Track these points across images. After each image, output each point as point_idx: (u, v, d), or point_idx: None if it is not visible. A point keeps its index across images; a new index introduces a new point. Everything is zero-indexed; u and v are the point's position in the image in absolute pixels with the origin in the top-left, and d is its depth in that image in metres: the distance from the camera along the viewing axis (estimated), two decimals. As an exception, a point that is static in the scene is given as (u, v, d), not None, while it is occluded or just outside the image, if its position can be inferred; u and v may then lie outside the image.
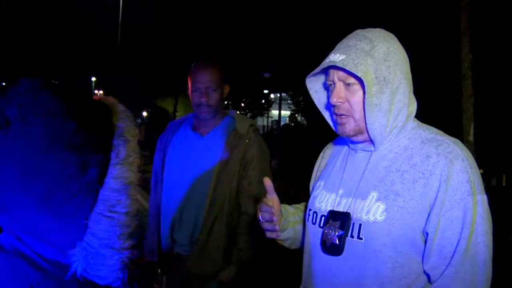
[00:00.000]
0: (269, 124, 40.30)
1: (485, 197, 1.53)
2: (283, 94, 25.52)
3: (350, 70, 1.53)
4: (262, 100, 33.00)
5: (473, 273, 1.49)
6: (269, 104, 34.75)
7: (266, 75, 20.18)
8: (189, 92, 2.68)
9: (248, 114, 31.93)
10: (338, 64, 1.55)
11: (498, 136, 9.72)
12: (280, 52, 17.29)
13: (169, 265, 2.71)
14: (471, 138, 4.76)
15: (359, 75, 1.53)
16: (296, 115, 25.96)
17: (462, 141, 4.45)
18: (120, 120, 1.23)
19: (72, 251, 1.09)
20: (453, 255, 1.48)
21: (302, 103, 22.89)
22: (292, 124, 32.51)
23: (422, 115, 1.74)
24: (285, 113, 35.30)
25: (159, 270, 1.36)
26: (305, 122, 21.67)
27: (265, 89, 30.20)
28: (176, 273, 2.65)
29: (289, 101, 32.71)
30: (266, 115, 39.02)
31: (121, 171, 1.17)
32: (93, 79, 39.19)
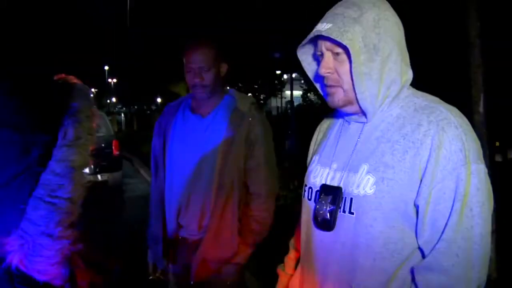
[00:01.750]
0: (283, 105, 40.19)
1: (482, 166, 1.45)
2: (295, 74, 25.33)
3: (336, 39, 1.48)
4: (275, 81, 32.85)
5: (467, 247, 1.41)
6: (282, 84, 34.60)
7: (276, 55, 20.07)
8: (185, 72, 2.63)
9: (262, 95, 31.86)
10: (323, 33, 1.51)
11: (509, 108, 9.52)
12: (289, 31, 17.12)
13: (175, 249, 2.71)
14: (481, 109, 4.64)
15: (344, 43, 1.48)
16: (309, 94, 25.77)
17: (473, 112, 4.39)
18: (74, 99, 1.16)
19: (8, 240, 1.01)
20: (444, 228, 1.41)
21: (315, 82, 22.71)
22: (304, 104, 32.42)
23: (430, 87, 1.68)
24: (298, 93, 35.17)
25: (117, 267, 1.31)
26: (318, 101, 21.49)
27: (277, 70, 30.03)
28: (185, 257, 2.64)
29: (302, 81, 32.56)
30: (279, 96, 38.89)
31: (67, 153, 1.09)
32: (106, 67, 39.33)
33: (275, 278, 2.02)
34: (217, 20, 19.30)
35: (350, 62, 1.53)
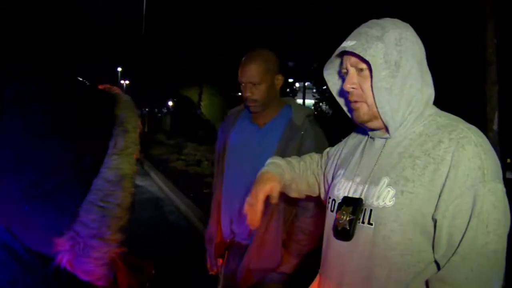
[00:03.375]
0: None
1: (500, 186, 1.48)
2: (307, 83, 25.37)
3: (359, 54, 1.56)
4: (287, 89, 32.93)
5: (481, 263, 1.44)
6: (294, 93, 34.68)
7: (290, 63, 20.16)
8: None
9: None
10: (348, 49, 1.60)
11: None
12: (303, 40, 17.17)
13: (229, 252, 2.78)
14: (495, 127, 4.65)
15: (367, 58, 1.56)
16: (321, 103, 25.84)
17: (486, 130, 4.39)
18: (121, 110, 1.21)
19: (59, 240, 1.06)
20: (459, 243, 1.45)
21: (327, 92, 22.75)
22: (316, 113, 32.36)
23: (444, 104, 1.72)
24: (310, 102, 35.16)
25: (153, 271, 1.34)
26: (329, 111, 21.53)
27: (290, 78, 30.09)
28: (236, 262, 2.71)
29: (313, 90, 32.61)
30: (291, 104, 38.80)
31: (118, 161, 1.15)
32: (119, 69, 39.54)
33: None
34: (227, 23, 19.38)
35: (372, 78, 1.60)
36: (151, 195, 11.07)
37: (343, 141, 2.01)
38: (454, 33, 9.20)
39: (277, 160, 2.10)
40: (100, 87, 1.24)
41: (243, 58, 2.74)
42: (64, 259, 1.06)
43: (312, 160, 2.16)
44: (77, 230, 1.08)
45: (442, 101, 1.72)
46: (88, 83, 1.19)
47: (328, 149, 2.14)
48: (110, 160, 1.13)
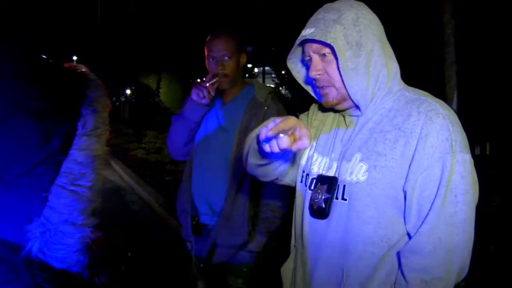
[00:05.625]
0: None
1: (468, 156, 1.52)
2: (267, 68, 25.39)
3: (320, 39, 1.57)
4: (246, 75, 32.87)
5: (449, 232, 1.47)
6: (254, 78, 34.67)
7: (249, 49, 20.13)
8: (206, 62, 2.71)
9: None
10: (308, 37, 1.61)
11: (482, 104, 9.74)
12: (261, 25, 17.15)
13: (198, 233, 2.76)
14: (454, 106, 4.74)
15: (328, 41, 1.57)
16: (280, 88, 25.92)
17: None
18: (90, 89, 1.16)
19: (29, 227, 1.01)
20: (428, 212, 1.48)
21: (286, 76, 22.84)
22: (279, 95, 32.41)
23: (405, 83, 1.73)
24: (270, 87, 35.20)
25: (128, 253, 1.31)
26: (289, 96, 21.61)
27: (249, 64, 30.04)
28: (205, 242, 2.70)
29: (273, 75, 32.69)
30: (250, 89, 38.78)
31: (88, 142, 1.10)
32: (74, 57, 38.68)
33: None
34: (190, 13, 19.19)
35: (337, 60, 1.62)
36: (112, 184, 10.90)
37: (310, 110, 1.99)
38: (413, 13, 9.32)
39: None
40: (67, 65, 1.18)
41: (211, 35, 2.75)
42: (34, 247, 1.01)
43: None
44: (47, 216, 1.03)
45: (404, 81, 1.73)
46: (52, 61, 1.13)
47: (300, 116, 2.06)
48: (80, 141, 1.08)
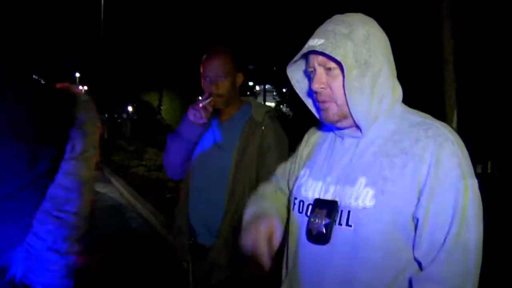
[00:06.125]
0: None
1: (475, 181, 1.51)
2: (268, 86, 25.41)
3: (329, 54, 1.52)
4: (247, 93, 32.92)
5: (465, 257, 1.46)
6: (255, 96, 34.69)
7: (250, 67, 20.17)
8: (202, 81, 2.71)
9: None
10: (317, 49, 1.55)
11: (482, 123, 9.73)
12: (263, 44, 17.22)
13: (195, 253, 2.74)
14: (454, 125, 4.75)
15: (338, 58, 1.52)
16: (281, 106, 25.92)
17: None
18: (80, 111, 1.13)
19: (11, 253, 0.98)
20: (444, 240, 1.47)
21: (287, 94, 22.87)
22: (277, 115, 32.38)
23: (404, 102, 1.70)
24: (271, 104, 35.29)
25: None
26: (290, 113, 21.62)
27: (250, 81, 30.09)
28: (202, 262, 2.68)
29: (274, 93, 32.71)
30: (252, 107, 38.79)
31: (75, 166, 1.07)
32: (77, 74, 38.80)
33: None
34: (191, 32, 19.28)
35: (343, 77, 1.56)
36: (112, 202, 10.87)
37: (303, 140, 1.93)
38: (413, 33, 9.35)
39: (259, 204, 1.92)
40: (59, 85, 1.16)
41: (207, 55, 2.75)
42: (18, 272, 0.98)
43: (283, 179, 2.03)
44: (30, 243, 1.00)
45: (403, 100, 1.71)
46: (43, 82, 1.11)
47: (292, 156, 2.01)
48: (67, 165, 1.05)
